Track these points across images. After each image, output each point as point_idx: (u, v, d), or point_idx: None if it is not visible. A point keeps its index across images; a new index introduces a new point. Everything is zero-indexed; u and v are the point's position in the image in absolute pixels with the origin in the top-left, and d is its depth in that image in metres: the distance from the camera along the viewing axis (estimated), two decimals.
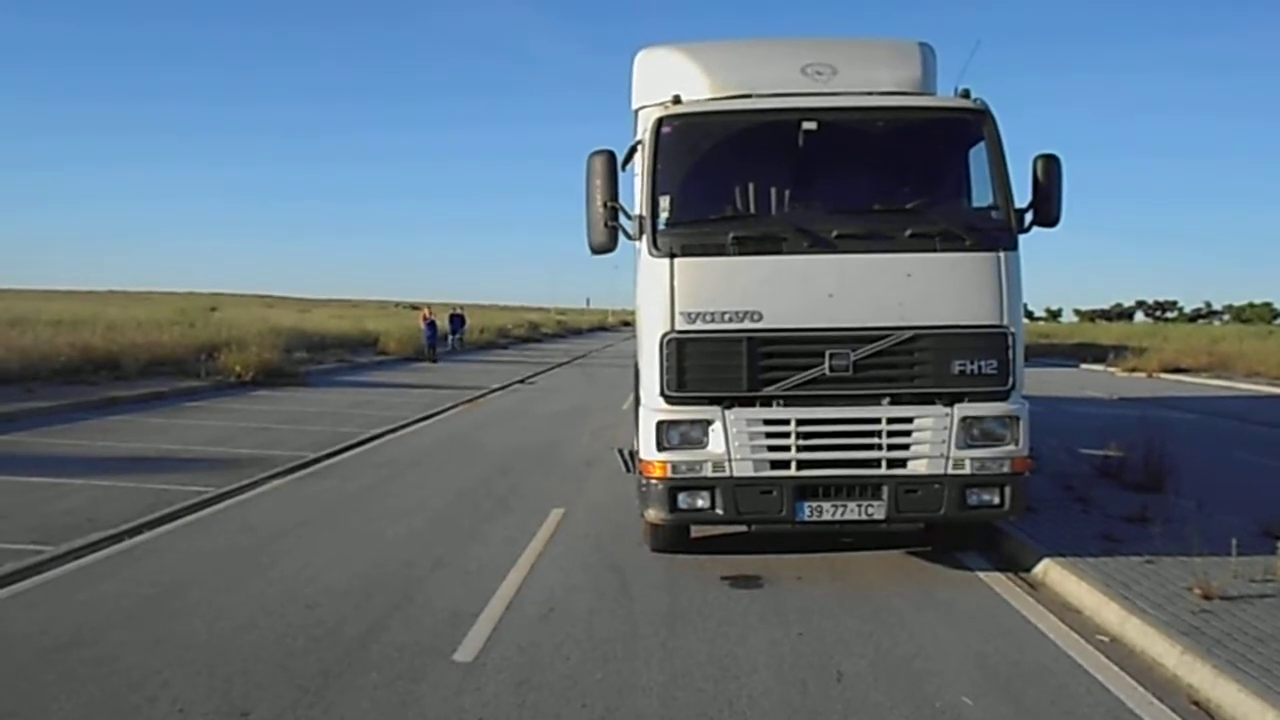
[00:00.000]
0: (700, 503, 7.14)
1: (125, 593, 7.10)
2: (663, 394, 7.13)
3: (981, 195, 7.44)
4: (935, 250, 7.08)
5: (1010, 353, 7.06)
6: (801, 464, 7.10)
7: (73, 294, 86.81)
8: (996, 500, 7.15)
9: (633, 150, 7.91)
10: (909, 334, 7.02)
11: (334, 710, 5.10)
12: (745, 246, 7.09)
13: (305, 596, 7.03)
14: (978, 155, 7.42)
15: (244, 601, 6.90)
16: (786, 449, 7.08)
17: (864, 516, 7.13)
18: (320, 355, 32.80)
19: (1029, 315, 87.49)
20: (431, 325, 38.32)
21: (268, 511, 9.96)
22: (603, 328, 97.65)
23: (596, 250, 7.35)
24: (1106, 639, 6.22)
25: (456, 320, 44.45)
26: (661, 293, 7.09)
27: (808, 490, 7.11)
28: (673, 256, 7.10)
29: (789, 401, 7.09)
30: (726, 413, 7.07)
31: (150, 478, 11.24)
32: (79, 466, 11.85)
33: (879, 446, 7.09)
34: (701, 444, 7.11)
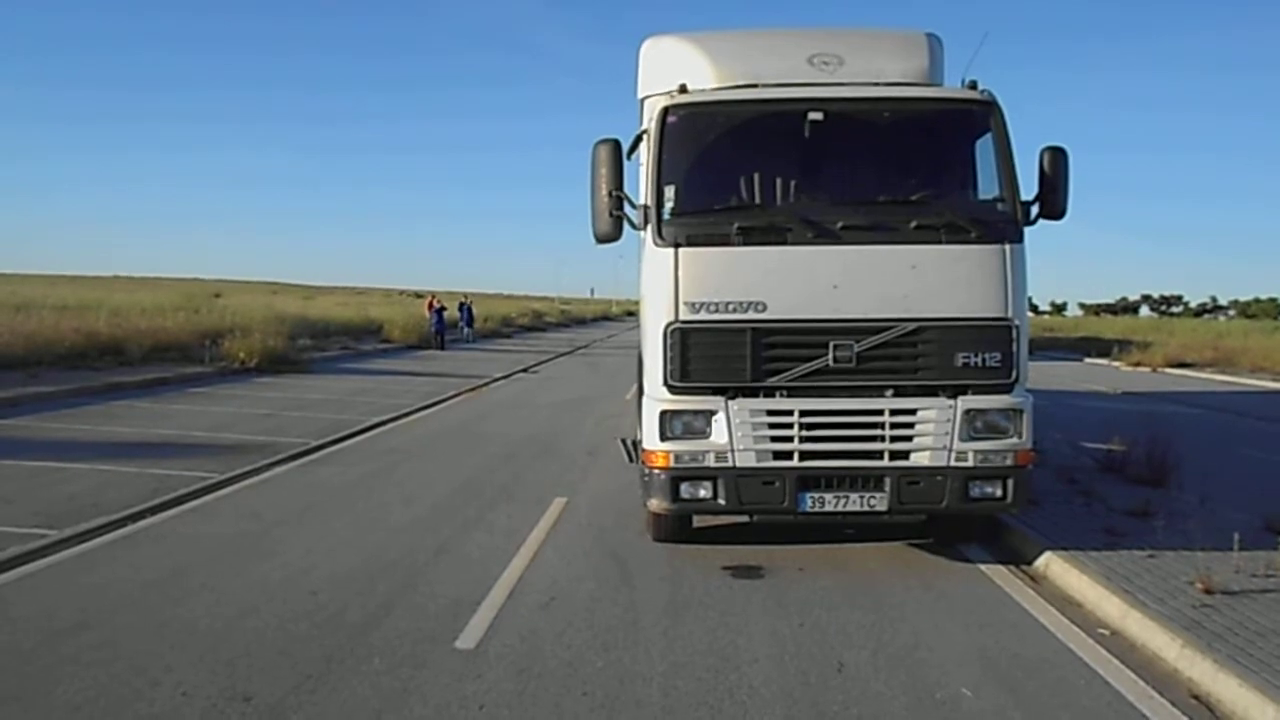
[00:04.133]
0: (703, 493, 7.15)
1: (129, 577, 7.13)
2: (666, 384, 7.13)
3: (987, 187, 7.42)
4: (940, 242, 7.06)
5: (1014, 346, 7.05)
6: (804, 455, 7.09)
7: (78, 279, 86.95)
8: (999, 493, 7.15)
9: (638, 139, 7.89)
10: (913, 326, 7.00)
11: (335, 696, 5.13)
12: (750, 237, 7.08)
13: (308, 582, 7.05)
14: (984, 147, 7.39)
15: (247, 587, 6.93)
16: (789, 440, 7.08)
17: (866, 508, 7.13)
18: (324, 343, 32.86)
19: (1034, 309, 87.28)
20: (439, 313, 38.35)
21: (271, 498, 9.98)
22: (607, 317, 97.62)
23: (601, 240, 7.34)
24: (1107, 632, 6.23)
25: (465, 310, 44.25)
26: (666, 282, 7.08)
27: (810, 481, 7.11)
28: (677, 246, 7.09)
29: (792, 392, 7.09)
30: (730, 403, 7.06)
31: (154, 463, 11.27)
32: (83, 451, 11.88)
33: (882, 438, 7.08)
34: (704, 434, 7.11)
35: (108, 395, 17.56)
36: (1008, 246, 7.07)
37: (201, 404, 17.23)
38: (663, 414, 7.14)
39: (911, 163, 7.87)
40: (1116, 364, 32.99)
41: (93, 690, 5.13)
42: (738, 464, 7.06)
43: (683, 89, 7.46)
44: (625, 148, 7.49)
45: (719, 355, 7.07)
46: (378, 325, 40.18)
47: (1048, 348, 39.62)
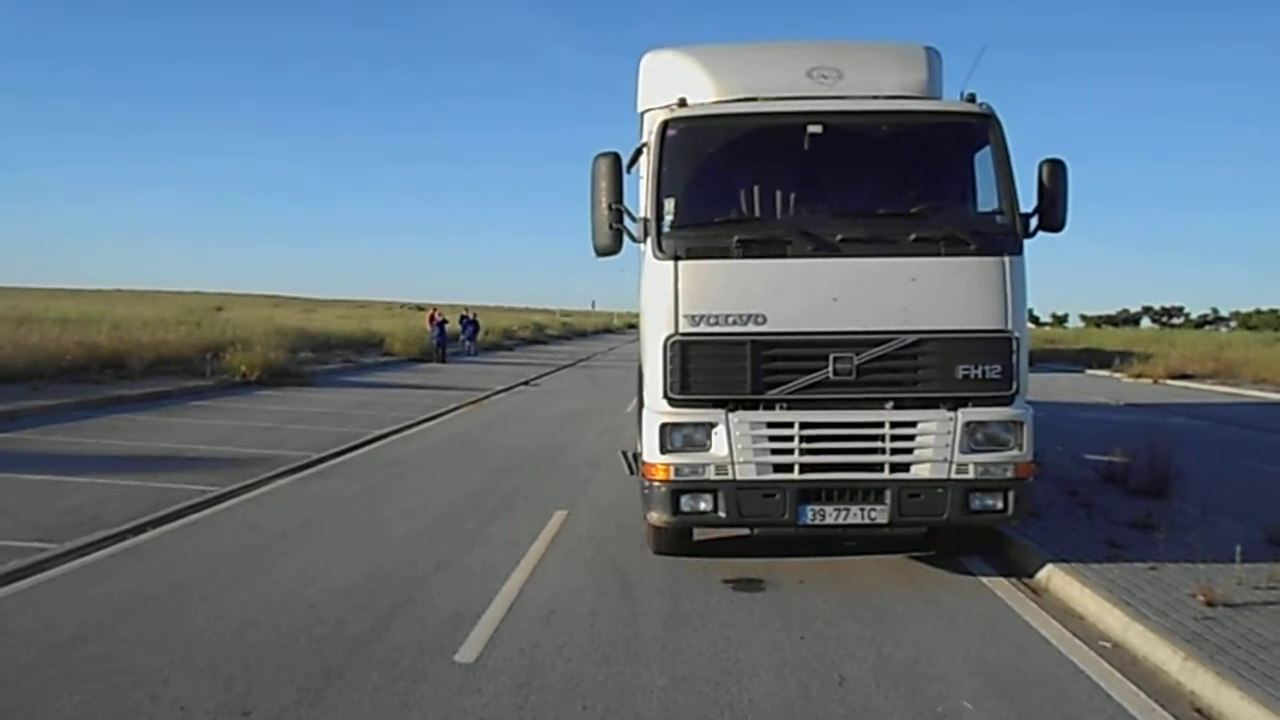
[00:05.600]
0: (703, 505, 7.14)
1: (129, 591, 7.12)
2: (666, 396, 7.13)
3: (987, 200, 7.43)
4: (940, 255, 7.07)
5: (1014, 357, 7.05)
6: (804, 467, 7.08)
7: (79, 293, 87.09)
8: (1000, 505, 7.13)
9: (638, 153, 7.92)
10: (913, 338, 7.01)
11: (335, 710, 5.11)
12: (750, 249, 7.09)
13: (307, 596, 7.04)
14: (983, 159, 7.41)
15: (246, 601, 6.91)
16: (789, 452, 7.07)
17: (867, 520, 7.12)
18: (325, 355, 32.87)
19: (1034, 320, 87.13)
20: (440, 326, 38.37)
21: (271, 511, 9.97)
22: (608, 330, 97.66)
23: (601, 253, 7.36)
24: (1109, 645, 6.21)
25: (469, 324, 44.09)
26: (666, 295, 7.09)
27: (810, 493, 7.10)
28: (677, 259, 7.10)
29: (792, 405, 7.08)
30: (730, 415, 7.06)
31: (154, 476, 11.26)
32: (84, 465, 11.88)
33: (882, 450, 7.08)
34: (704, 447, 7.10)
35: (109, 408, 17.57)
36: (1007, 259, 7.08)
37: (203, 417, 17.23)
38: (663, 426, 7.14)
39: (910, 175, 7.90)
40: (1118, 376, 32.95)
41: (92, 704, 5.11)
42: (738, 476, 7.06)
43: (682, 102, 7.49)
44: (625, 161, 7.52)
45: (719, 368, 7.07)
46: (379, 338, 40.20)
47: (1048, 359, 39.57)
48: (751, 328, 7.02)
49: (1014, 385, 7.07)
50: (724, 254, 7.09)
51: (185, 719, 4.97)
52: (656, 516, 7.33)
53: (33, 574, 7.44)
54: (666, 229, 7.20)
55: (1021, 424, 7.14)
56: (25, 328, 23.66)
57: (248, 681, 5.44)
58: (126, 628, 6.33)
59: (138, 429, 15.43)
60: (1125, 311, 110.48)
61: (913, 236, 7.09)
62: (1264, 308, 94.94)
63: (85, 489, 10.51)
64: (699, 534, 8.25)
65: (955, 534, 8.01)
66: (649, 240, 7.23)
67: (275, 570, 7.72)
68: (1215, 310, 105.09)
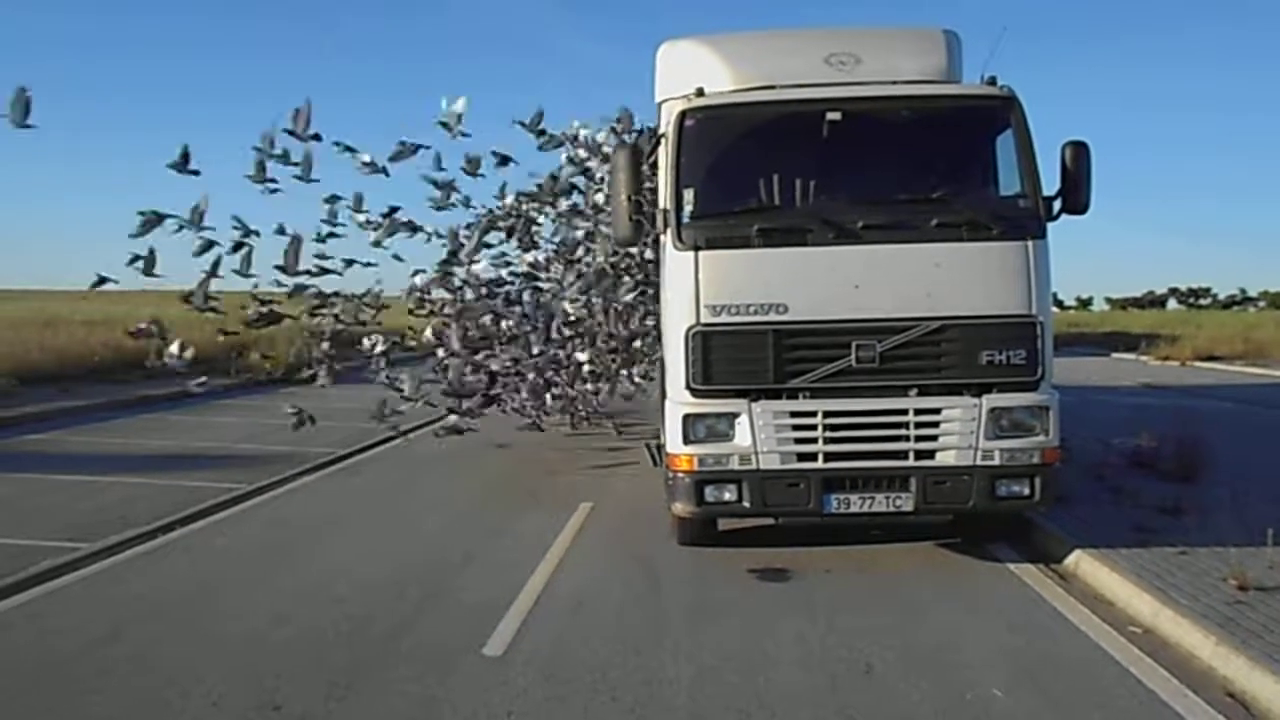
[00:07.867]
0: (727, 495, 7.13)
1: (159, 589, 7.20)
2: (689, 387, 7.12)
3: (1009, 184, 7.37)
4: (963, 240, 7.01)
5: (1039, 342, 6.99)
6: (829, 456, 7.06)
7: (105, 293, 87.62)
8: (1026, 491, 7.08)
9: (657, 143, 7.89)
10: (936, 325, 6.96)
11: (364, 704, 5.15)
12: (770, 238, 7.06)
13: (336, 591, 7.08)
14: (1005, 143, 7.35)
15: (276, 597, 6.97)
16: (813, 441, 7.05)
17: (892, 508, 7.09)
18: (350, 351, 32.95)
19: (1059, 304, 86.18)
20: None
21: (298, 508, 10.05)
22: None
23: (622, 243, 7.40)
24: (1139, 631, 6.15)
25: None
26: (686, 286, 7.08)
27: (835, 482, 7.08)
28: (697, 249, 7.08)
29: (815, 393, 7.06)
30: (753, 405, 7.04)
31: (182, 475, 11.38)
32: (112, 464, 12.02)
33: (907, 438, 7.04)
34: (728, 437, 7.09)
35: (136, 408, 17.75)
36: (1030, 243, 7.01)
37: (228, 415, 17.38)
38: (686, 417, 7.13)
39: (931, 160, 7.83)
40: (1144, 358, 32.61)
41: (125, 701, 5.18)
42: (762, 466, 7.04)
43: (700, 92, 7.46)
44: (645, 152, 7.50)
45: (741, 358, 7.05)
46: (402, 333, 40.23)
47: (1074, 343, 39.17)
48: (773, 317, 6.99)
49: (1039, 370, 7.01)
50: (744, 243, 7.06)
51: (217, 714, 5.02)
52: (681, 507, 7.33)
53: (65, 573, 7.53)
54: (686, 219, 7.19)
55: (1047, 409, 7.08)
56: (52, 329, 23.92)
57: (278, 677, 5.48)
58: (157, 625, 6.40)
59: (164, 428, 15.60)
60: (1151, 293, 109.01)
61: (935, 222, 7.03)
62: None
63: (114, 488, 10.63)
64: (724, 524, 8.24)
65: (982, 521, 7.96)
66: (669, 231, 7.22)
67: (303, 566, 7.78)
68: (1243, 290, 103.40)
